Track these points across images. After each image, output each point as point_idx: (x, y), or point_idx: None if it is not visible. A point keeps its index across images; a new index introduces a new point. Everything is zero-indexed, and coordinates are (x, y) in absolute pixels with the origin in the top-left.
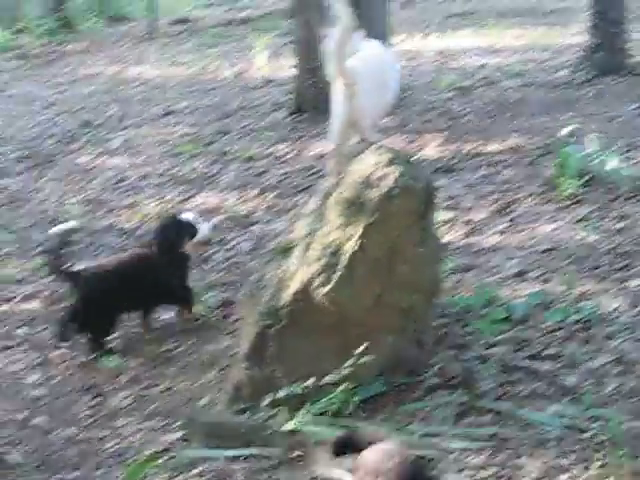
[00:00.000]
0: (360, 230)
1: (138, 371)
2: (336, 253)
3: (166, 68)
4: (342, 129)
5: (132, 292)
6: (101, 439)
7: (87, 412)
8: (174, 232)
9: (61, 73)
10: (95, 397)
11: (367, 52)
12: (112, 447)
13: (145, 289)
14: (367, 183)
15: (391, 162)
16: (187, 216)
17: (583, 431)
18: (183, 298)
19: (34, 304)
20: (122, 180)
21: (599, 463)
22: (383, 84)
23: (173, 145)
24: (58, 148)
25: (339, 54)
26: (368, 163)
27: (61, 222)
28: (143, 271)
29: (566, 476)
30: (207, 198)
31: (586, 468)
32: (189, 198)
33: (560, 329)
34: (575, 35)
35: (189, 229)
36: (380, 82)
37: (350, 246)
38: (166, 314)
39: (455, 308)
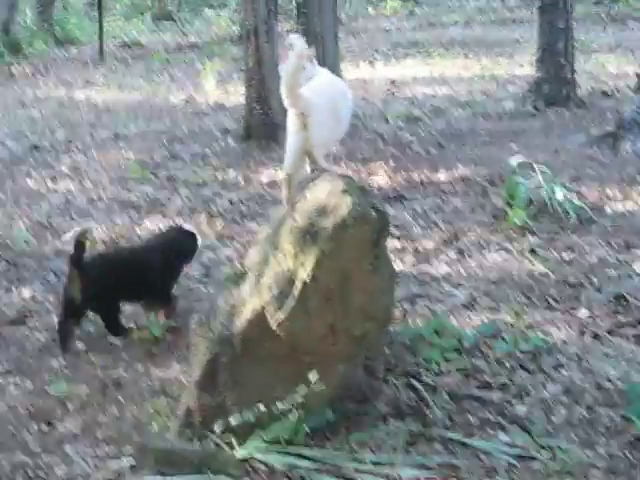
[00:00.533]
0: (313, 259)
1: (87, 397)
2: (289, 282)
3: (115, 92)
4: (295, 158)
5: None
6: (49, 467)
7: (35, 439)
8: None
9: (8, 95)
10: (43, 423)
11: (319, 81)
12: (61, 474)
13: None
14: (321, 212)
15: (345, 191)
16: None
17: (533, 460)
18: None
19: None
20: (70, 204)
21: None
22: (336, 114)
23: (122, 169)
24: (5, 171)
25: (292, 83)
26: (322, 192)
27: (9, 246)
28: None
29: None
30: (156, 223)
31: None
32: (138, 224)
33: (509, 359)
34: (522, 66)
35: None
36: (333, 112)
37: (303, 275)
38: (114, 339)
39: (405, 337)
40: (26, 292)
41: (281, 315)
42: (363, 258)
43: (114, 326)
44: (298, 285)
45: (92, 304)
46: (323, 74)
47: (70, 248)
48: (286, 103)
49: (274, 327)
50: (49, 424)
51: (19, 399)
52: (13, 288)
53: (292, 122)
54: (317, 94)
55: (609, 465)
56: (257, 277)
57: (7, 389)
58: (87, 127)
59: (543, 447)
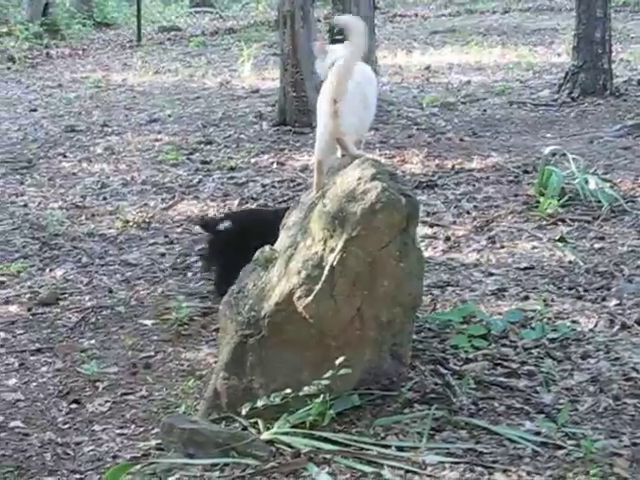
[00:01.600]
0: (342, 243)
1: (116, 377)
2: (318, 266)
3: (151, 75)
4: (325, 144)
5: None
6: (78, 444)
7: (64, 417)
8: None
9: (46, 77)
10: (72, 402)
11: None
12: (89, 452)
13: None
14: (350, 197)
15: (374, 177)
16: None
17: (558, 448)
18: None
19: (13, 308)
20: (104, 186)
21: None
22: (365, 100)
23: (156, 152)
24: (41, 152)
25: (344, 75)
26: (352, 177)
27: (43, 227)
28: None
29: None
30: (189, 207)
31: None
32: (171, 206)
33: (537, 347)
34: (559, 55)
35: None
36: (363, 98)
37: (331, 259)
38: (147, 320)
39: (434, 323)
40: (59, 273)
41: (308, 299)
42: (391, 244)
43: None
44: (326, 269)
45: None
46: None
47: None
48: (326, 90)
49: (301, 311)
50: (78, 403)
51: (49, 378)
52: (46, 269)
53: (322, 109)
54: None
55: (634, 454)
56: (286, 261)
57: (38, 368)
58: (123, 110)
59: (568, 435)
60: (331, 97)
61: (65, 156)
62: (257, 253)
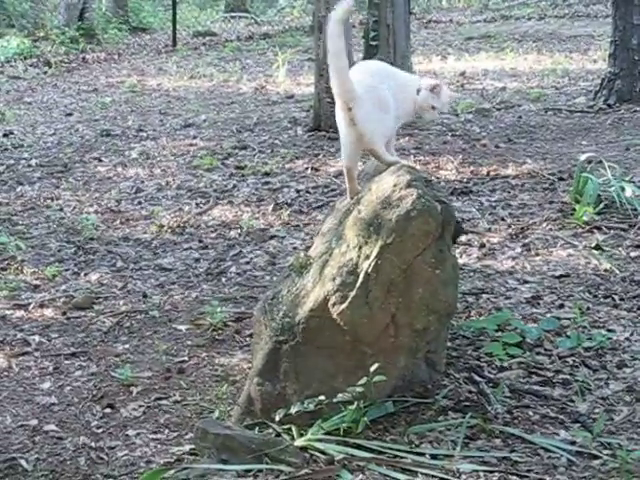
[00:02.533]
0: (376, 250)
1: (150, 382)
2: (352, 272)
3: (186, 80)
4: (349, 152)
5: None
6: (112, 449)
7: (98, 421)
8: None
9: (81, 82)
10: (106, 407)
11: (355, 69)
12: (123, 457)
13: None
14: (385, 204)
15: (410, 183)
16: None
17: (593, 458)
18: None
19: (49, 311)
20: (139, 191)
21: None
22: (382, 103)
23: (191, 157)
24: (76, 156)
25: (341, 72)
26: (387, 184)
27: (78, 231)
28: None
29: None
30: (223, 212)
31: None
32: (206, 211)
33: (572, 355)
34: (595, 62)
35: None
36: (378, 101)
37: (366, 266)
38: (181, 325)
39: (468, 331)
40: (93, 277)
41: (343, 305)
42: (426, 251)
43: None
44: (361, 276)
45: None
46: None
47: None
48: (334, 90)
49: (336, 317)
50: (112, 407)
51: (83, 382)
52: (81, 273)
53: (340, 116)
54: (359, 86)
55: None
56: (321, 267)
57: (72, 372)
58: (158, 114)
59: (604, 445)
60: (342, 103)
61: (100, 160)
62: (291, 258)
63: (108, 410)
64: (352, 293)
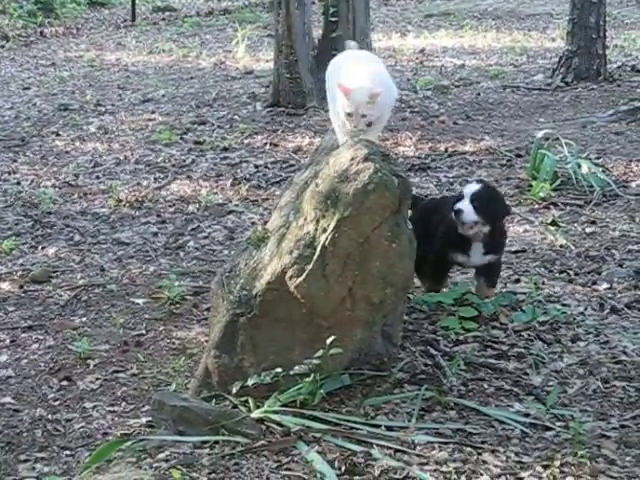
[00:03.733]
0: (334, 223)
1: (107, 355)
2: (309, 245)
3: (145, 55)
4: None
5: None
6: (69, 421)
7: (55, 394)
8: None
9: (39, 56)
10: (63, 379)
11: (374, 69)
12: (79, 429)
13: None
14: (343, 177)
15: (367, 157)
16: None
17: (546, 429)
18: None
19: (5, 285)
20: (97, 165)
21: (560, 462)
22: (392, 93)
23: (150, 132)
24: (34, 130)
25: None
26: (345, 158)
27: (35, 205)
28: None
29: (527, 473)
30: (182, 186)
31: (547, 466)
32: (164, 185)
33: (527, 330)
34: (553, 40)
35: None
36: (391, 94)
37: (323, 239)
38: (139, 299)
39: (425, 305)
40: (51, 251)
41: (300, 278)
42: (383, 224)
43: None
44: (318, 249)
45: None
46: (366, 58)
47: None
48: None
49: (293, 290)
50: (69, 380)
51: (40, 355)
52: (39, 246)
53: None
54: (380, 84)
55: (621, 436)
56: (278, 240)
57: (29, 345)
58: (116, 89)
59: (557, 417)
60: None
61: (58, 134)
62: (248, 232)
63: (65, 383)
64: (309, 266)
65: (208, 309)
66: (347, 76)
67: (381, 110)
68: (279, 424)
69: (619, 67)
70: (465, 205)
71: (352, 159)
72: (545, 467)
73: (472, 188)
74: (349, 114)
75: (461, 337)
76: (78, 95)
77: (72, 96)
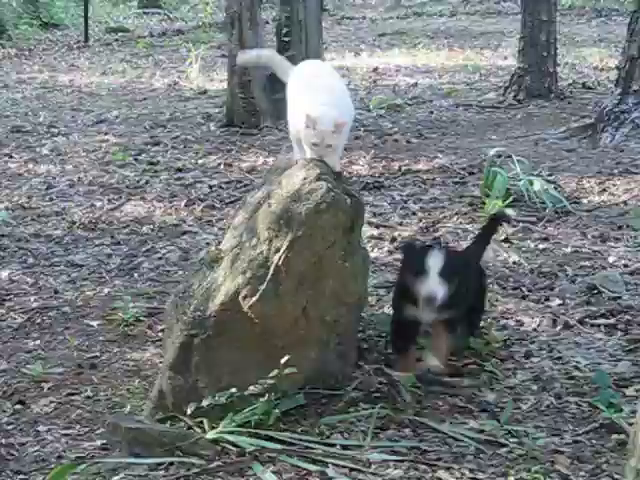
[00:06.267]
0: (287, 243)
1: (62, 378)
2: (263, 266)
3: (98, 76)
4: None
5: None
6: (22, 445)
7: (8, 418)
8: None
9: None
10: (17, 403)
11: (334, 87)
12: (33, 453)
13: None
14: (295, 197)
15: (319, 177)
16: None
17: (501, 446)
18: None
19: None
20: (51, 187)
21: (514, 478)
22: (352, 113)
23: (103, 153)
24: None
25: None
26: (297, 178)
27: None
28: None
29: None
30: (136, 207)
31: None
32: (118, 207)
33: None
34: (506, 58)
35: None
36: (352, 115)
37: (277, 259)
38: (93, 321)
39: (379, 323)
40: (4, 273)
41: (254, 299)
42: (336, 244)
43: None
44: (271, 269)
45: None
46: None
47: None
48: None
49: (247, 310)
50: (23, 404)
51: None
52: None
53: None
54: (341, 107)
55: (575, 451)
56: (232, 261)
57: None
58: (70, 111)
59: (511, 433)
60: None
61: (11, 157)
62: (202, 252)
63: (19, 406)
64: (263, 286)
65: (163, 330)
66: (310, 101)
67: (345, 135)
68: (234, 445)
69: (570, 84)
70: (435, 286)
71: (304, 179)
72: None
73: (437, 259)
74: (314, 144)
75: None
76: (31, 117)
77: (25, 118)
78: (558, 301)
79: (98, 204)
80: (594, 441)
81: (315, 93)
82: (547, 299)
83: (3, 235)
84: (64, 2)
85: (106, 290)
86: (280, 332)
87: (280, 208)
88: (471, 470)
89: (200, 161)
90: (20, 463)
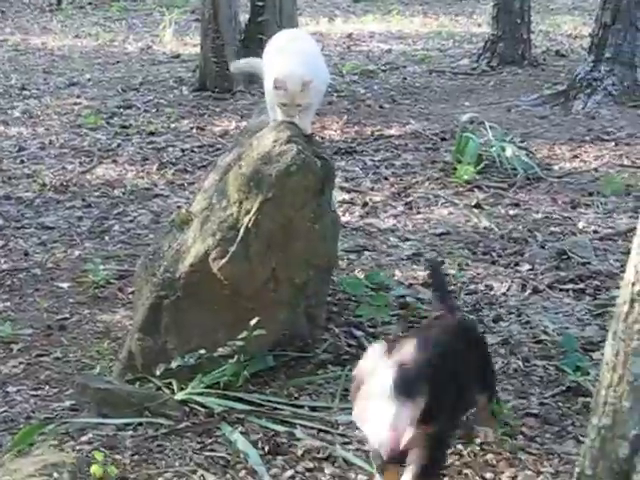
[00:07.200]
0: (257, 205)
1: (31, 339)
2: (233, 227)
3: (71, 39)
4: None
5: None
6: None
7: None
8: None
9: None
10: None
11: (305, 48)
12: (2, 414)
13: None
14: (266, 159)
15: (290, 139)
16: None
17: None
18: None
19: None
20: (22, 149)
21: (481, 440)
22: (325, 77)
23: (75, 116)
24: None
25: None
26: (268, 140)
27: None
28: None
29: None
30: (107, 170)
31: (468, 444)
32: (89, 170)
33: None
34: (480, 25)
35: None
36: (324, 78)
37: (246, 221)
38: (63, 283)
39: (348, 287)
40: None
41: (223, 260)
42: (306, 206)
43: None
44: (241, 231)
45: None
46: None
47: None
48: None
49: (216, 272)
50: None
51: None
52: None
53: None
54: (313, 70)
55: (542, 414)
56: (202, 223)
57: None
58: (42, 73)
59: None
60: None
61: None
62: (173, 215)
63: None
64: (232, 248)
65: (133, 293)
66: (279, 63)
67: (315, 95)
68: (203, 406)
69: (544, 52)
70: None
71: (275, 141)
72: (465, 445)
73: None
74: (284, 104)
75: (386, 318)
76: (3, 79)
77: None
78: (527, 266)
79: (69, 167)
80: (560, 404)
81: (285, 55)
82: (517, 264)
83: None
84: None
85: (77, 252)
86: (249, 294)
87: (250, 170)
88: None
89: (172, 125)
90: None
